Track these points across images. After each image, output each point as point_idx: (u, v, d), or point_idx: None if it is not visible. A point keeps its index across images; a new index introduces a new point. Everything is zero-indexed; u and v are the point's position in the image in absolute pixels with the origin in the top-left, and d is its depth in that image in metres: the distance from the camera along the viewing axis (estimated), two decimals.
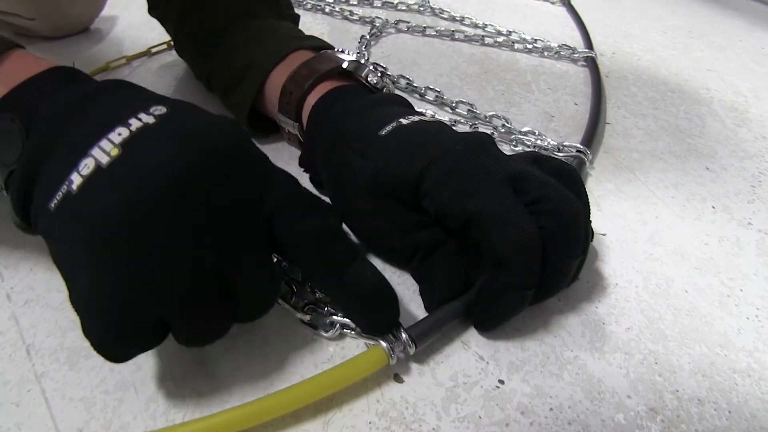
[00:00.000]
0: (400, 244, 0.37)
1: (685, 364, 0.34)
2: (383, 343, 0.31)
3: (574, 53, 0.69)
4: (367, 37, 0.71)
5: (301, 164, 0.46)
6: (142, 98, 0.32)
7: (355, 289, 0.32)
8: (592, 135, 0.54)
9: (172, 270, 0.27)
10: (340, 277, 0.31)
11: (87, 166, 0.28)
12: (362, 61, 0.46)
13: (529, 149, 0.52)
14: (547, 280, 0.33)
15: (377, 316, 0.32)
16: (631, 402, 0.32)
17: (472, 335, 0.35)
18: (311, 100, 0.44)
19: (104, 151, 0.28)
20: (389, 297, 0.32)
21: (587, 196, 0.36)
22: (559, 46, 0.70)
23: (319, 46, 0.49)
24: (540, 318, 0.36)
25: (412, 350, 0.32)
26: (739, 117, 0.61)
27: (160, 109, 0.30)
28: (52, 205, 0.28)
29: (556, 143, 0.51)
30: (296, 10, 0.59)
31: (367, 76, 0.45)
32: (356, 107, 0.41)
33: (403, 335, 0.32)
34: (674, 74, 0.69)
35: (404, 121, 0.38)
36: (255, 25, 0.51)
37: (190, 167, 0.28)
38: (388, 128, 0.38)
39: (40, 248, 0.39)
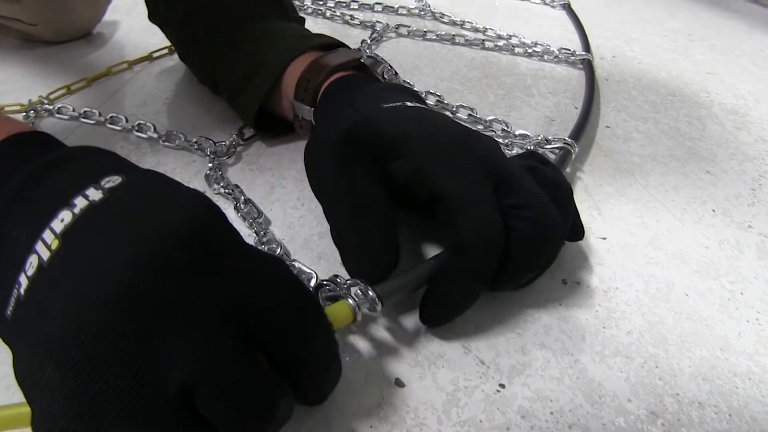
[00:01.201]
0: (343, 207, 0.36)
1: (685, 367, 0.34)
2: (350, 301, 0.31)
3: (572, 56, 0.70)
4: (368, 41, 0.71)
5: None
6: (97, 169, 0.27)
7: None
8: (580, 129, 0.54)
9: (123, 396, 0.21)
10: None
11: (32, 264, 0.24)
12: (379, 58, 0.46)
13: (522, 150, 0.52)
14: (498, 275, 0.33)
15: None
16: (631, 406, 0.32)
17: (473, 339, 0.35)
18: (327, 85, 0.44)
19: (46, 244, 0.24)
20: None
21: (576, 215, 0.37)
22: (558, 49, 0.71)
23: (330, 43, 0.49)
24: (540, 322, 0.36)
25: (378, 307, 0.31)
26: (739, 120, 0.61)
27: (112, 181, 0.26)
28: (8, 313, 0.24)
29: (542, 137, 0.52)
30: None
31: (383, 73, 0.46)
32: (369, 89, 0.41)
33: (370, 293, 0.31)
34: (674, 77, 0.69)
35: (409, 104, 0.38)
36: (263, 26, 0.52)
37: (137, 265, 0.23)
38: (393, 104, 0.38)
39: None
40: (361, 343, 0.34)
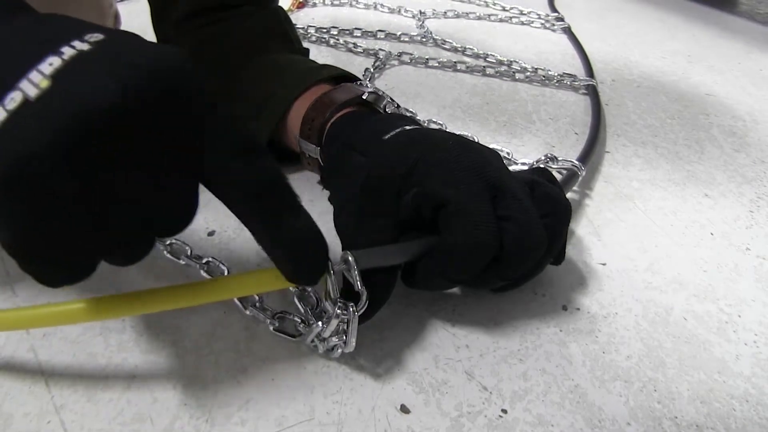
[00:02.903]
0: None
1: (683, 390, 0.35)
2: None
3: (574, 81, 0.71)
4: (371, 70, 0.73)
5: (321, 182, 0.49)
6: (79, 26, 0.28)
7: (285, 239, 0.30)
8: (588, 153, 0.55)
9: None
10: (273, 229, 0.30)
11: (14, 99, 0.25)
12: (380, 93, 0.48)
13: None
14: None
15: (302, 263, 0.31)
16: (631, 429, 0.32)
17: (476, 366, 0.36)
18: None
19: (33, 83, 0.25)
20: (318, 246, 0.31)
21: (565, 238, 0.38)
22: (559, 74, 0.72)
23: (337, 75, 0.51)
24: (541, 348, 0.37)
25: (354, 271, 0.33)
26: (737, 142, 0.62)
27: (96, 36, 0.27)
28: None
29: (549, 154, 0.53)
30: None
31: (385, 108, 0.48)
32: (368, 122, 0.43)
33: (350, 258, 0.33)
34: (673, 100, 0.70)
35: (408, 128, 0.40)
36: (271, 59, 0.53)
37: (124, 96, 0.25)
38: (392, 133, 0.40)
39: None
40: (368, 370, 0.35)
